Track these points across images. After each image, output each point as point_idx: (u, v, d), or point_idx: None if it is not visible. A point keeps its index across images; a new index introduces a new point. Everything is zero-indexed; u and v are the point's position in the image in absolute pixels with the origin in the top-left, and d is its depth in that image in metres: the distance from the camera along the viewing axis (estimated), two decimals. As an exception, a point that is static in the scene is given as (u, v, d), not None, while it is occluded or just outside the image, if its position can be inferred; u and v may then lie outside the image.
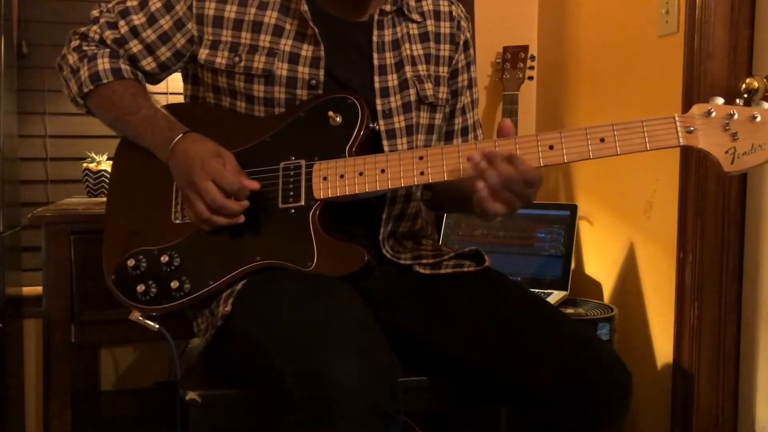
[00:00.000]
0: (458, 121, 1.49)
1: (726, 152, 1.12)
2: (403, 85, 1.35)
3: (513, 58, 2.40)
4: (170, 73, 1.42)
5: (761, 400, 1.76)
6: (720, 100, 1.13)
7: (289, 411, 1.01)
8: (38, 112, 2.28)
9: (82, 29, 1.39)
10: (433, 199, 1.52)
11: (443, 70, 1.42)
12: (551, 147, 1.16)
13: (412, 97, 1.36)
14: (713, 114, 1.12)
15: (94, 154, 2.15)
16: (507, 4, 2.56)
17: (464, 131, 1.50)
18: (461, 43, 1.45)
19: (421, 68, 1.38)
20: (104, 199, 2.08)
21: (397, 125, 1.34)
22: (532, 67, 2.43)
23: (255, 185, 1.23)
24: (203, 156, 1.22)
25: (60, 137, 2.29)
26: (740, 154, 1.12)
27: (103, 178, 2.12)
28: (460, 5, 1.49)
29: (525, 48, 2.41)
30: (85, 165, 2.13)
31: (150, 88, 1.41)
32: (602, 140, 1.14)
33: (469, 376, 1.25)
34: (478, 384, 1.25)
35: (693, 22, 1.76)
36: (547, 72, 2.54)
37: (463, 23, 1.46)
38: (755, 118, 1.11)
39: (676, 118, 1.13)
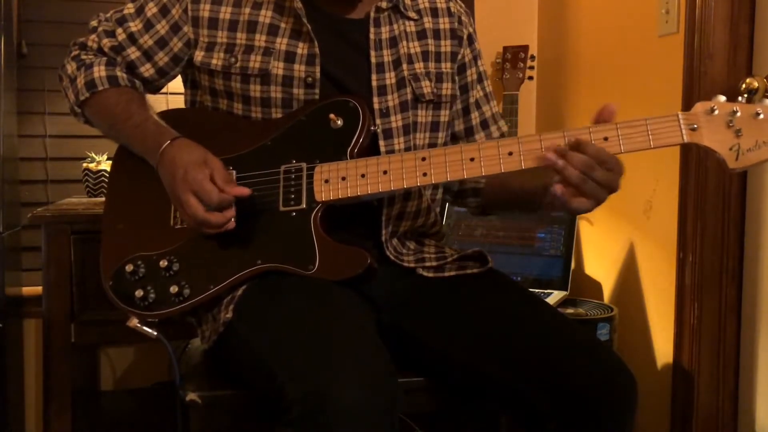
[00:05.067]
0: (474, 116, 1.47)
1: (730, 149, 1.12)
2: (401, 84, 1.34)
3: (513, 58, 2.40)
4: (169, 79, 1.41)
5: (761, 400, 1.76)
6: (722, 98, 1.14)
7: (286, 424, 1.01)
8: (38, 112, 2.28)
9: (81, 39, 1.39)
10: (481, 206, 1.49)
11: (447, 66, 1.40)
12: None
13: (409, 96, 1.35)
14: (716, 111, 1.12)
15: (94, 154, 2.15)
16: (507, 4, 2.56)
17: (484, 125, 1.48)
18: (465, 37, 1.43)
19: (418, 66, 1.37)
20: (104, 198, 2.09)
21: (394, 124, 1.33)
22: (532, 67, 2.43)
23: (243, 191, 1.21)
24: (187, 166, 1.20)
25: (60, 137, 2.29)
26: (744, 151, 1.12)
27: (103, 178, 2.12)
28: (459, 1, 1.47)
29: (525, 48, 2.41)
30: (85, 165, 2.13)
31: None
32: (606, 139, 1.14)
33: (470, 382, 1.24)
34: (480, 391, 1.24)
35: (693, 22, 1.76)
36: (547, 72, 2.54)
37: (464, 18, 1.45)
38: (758, 114, 1.11)
39: (680, 116, 1.13)
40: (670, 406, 1.87)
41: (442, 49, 1.41)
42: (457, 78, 1.43)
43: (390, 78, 1.33)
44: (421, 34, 1.39)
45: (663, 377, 1.90)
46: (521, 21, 2.58)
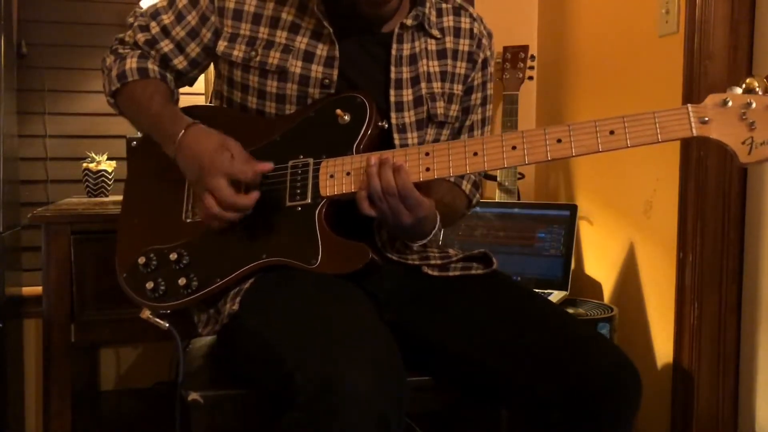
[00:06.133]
0: (463, 138, 1.46)
1: (743, 142, 1.07)
2: (417, 102, 1.35)
3: (513, 58, 2.40)
4: (202, 71, 1.44)
5: (761, 400, 1.76)
6: (738, 90, 1.09)
7: (293, 409, 1.01)
8: (38, 112, 2.28)
9: (121, 34, 1.42)
10: None
11: (457, 88, 1.41)
12: (559, 140, 1.14)
13: (424, 115, 1.36)
14: (729, 103, 1.08)
15: (94, 154, 2.15)
16: (507, 4, 2.56)
17: None
18: (479, 61, 1.43)
19: (436, 86, 1.38)
20: (104, 199, 2.10)
21: (410, 141, 1.34)
22: (532, 67, 2.43)
23: (268, 166, 1.25)
24: (210, 153, 1.23)
25: (60, 137, 2.30)
26: (758, 144, 1.07)
27: (103, 178, 2.13)
28: (484, 22, 1.47)
29: (525, 48, 2.41)
30: (85, 165, 2.13)
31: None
32: (612, 132, 1.11)
33: (475, 378, 1.25)
34: (485, 386, 1.25)
35: (693, 22, 1.76)
36: (547, 72, 2.54)
37: (484, 41, 1.44)
38: None
39: (690, 108, 1.09)
40: (670, 406, 1.88)
41: (457, 71, 1.41)
42: (462, 99, 1.43)
43: (407, 95, 1.35)
44: (441, 54, 1.40)
45: (663, 377, 1.90)
46: (521, 21, 2.58)
